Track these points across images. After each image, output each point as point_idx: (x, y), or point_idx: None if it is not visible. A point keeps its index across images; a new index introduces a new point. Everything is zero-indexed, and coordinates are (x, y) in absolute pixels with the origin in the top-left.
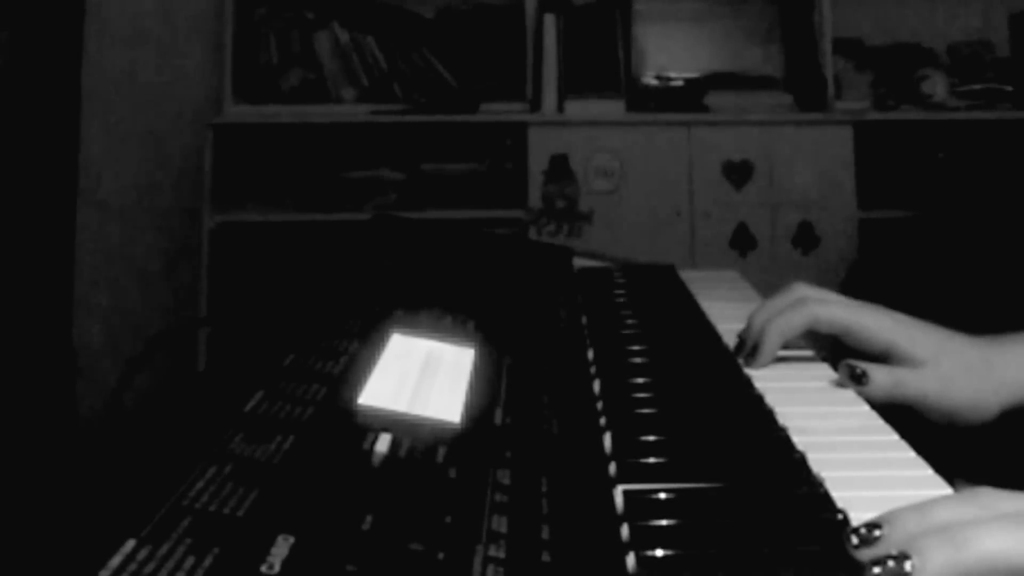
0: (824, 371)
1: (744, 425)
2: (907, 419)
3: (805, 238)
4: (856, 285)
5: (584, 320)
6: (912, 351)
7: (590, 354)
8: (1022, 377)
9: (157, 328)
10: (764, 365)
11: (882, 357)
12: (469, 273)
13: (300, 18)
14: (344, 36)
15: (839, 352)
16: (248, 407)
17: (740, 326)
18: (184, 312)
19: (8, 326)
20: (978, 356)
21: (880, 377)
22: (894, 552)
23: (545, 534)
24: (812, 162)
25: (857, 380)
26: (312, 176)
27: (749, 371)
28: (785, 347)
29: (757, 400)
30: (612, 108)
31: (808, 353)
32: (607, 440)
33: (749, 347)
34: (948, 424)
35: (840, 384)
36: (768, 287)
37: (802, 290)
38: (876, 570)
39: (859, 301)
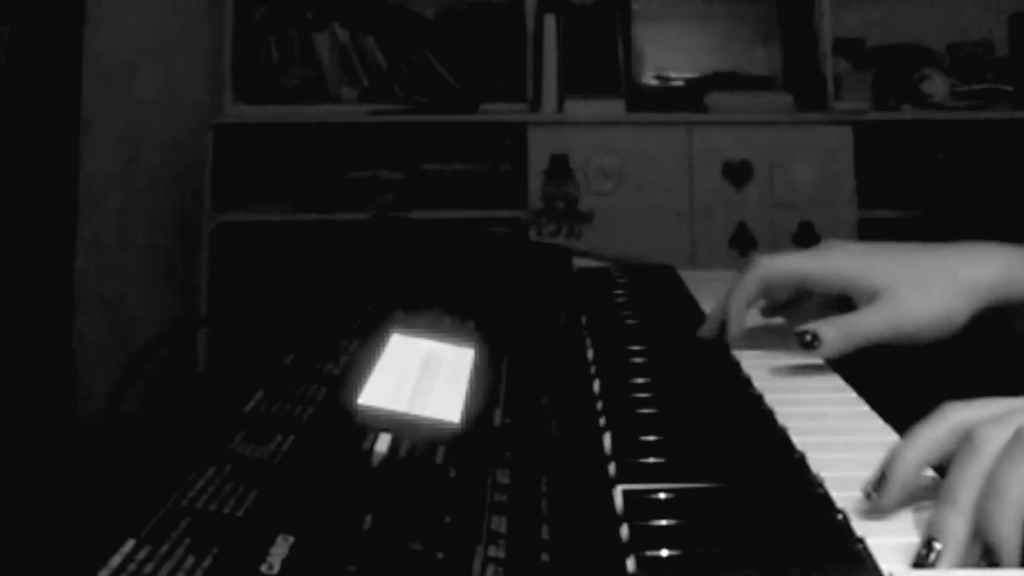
0: (825, 372)
1: (744, 425)
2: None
3: (805, 238)
4: None
5: (584, 320)
6: (869, 281)
7: (590, 354)
8: (991, 276)
9: (157, 328)
10: (737, 335)
11: (845, 297)
12: (469, 273)
13: (300, 18)
14: (344, 36)
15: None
16: (248, 407)
17: None
18: (184, 312)
19: (7, 326)
20: (940, 267)
21: (830, 334)
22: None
23: (545, 534)
24: (812, 162)
25: (809, 346)
26: (312, 176)
27: (748, 372)
28: (787, 350)
29: (757, 400)
30: (612, 108)
31: (809, 356)
32: (607, 440)
33: (716, 324)
34: (915, 345)
35: (799, 349)
36: None
37: (755, 258)
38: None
39: (816, 247)
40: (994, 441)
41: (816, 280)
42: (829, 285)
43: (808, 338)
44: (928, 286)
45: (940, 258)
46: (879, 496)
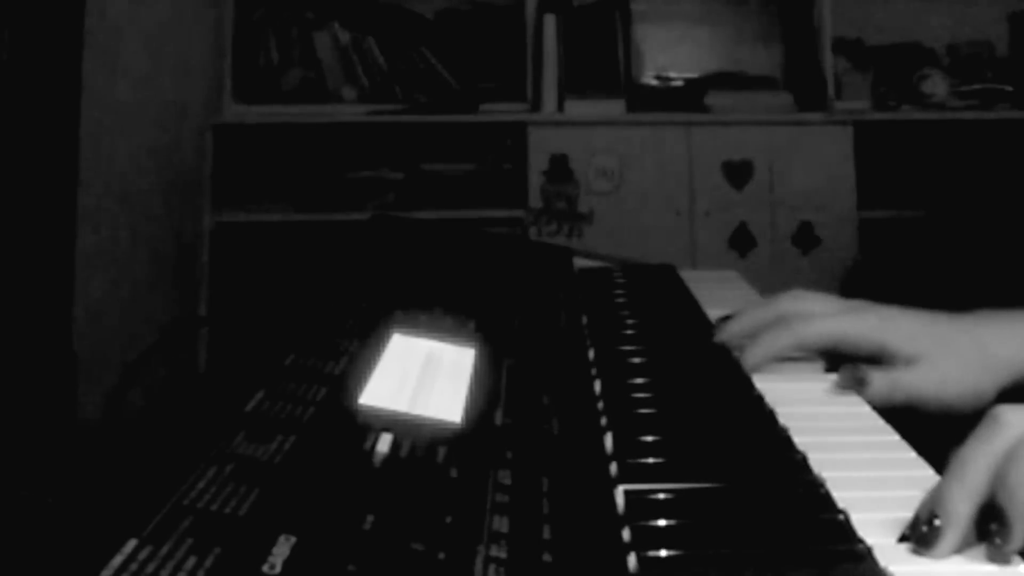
0: (827, 374)
1: (745, 425)
2: (906, 418)
3: (805, 238)
4: (856, 285)
5: (584, 320)
6: (903, 348)
7: (590, 354)
8: (1017, 356)
9: (157, 328)
10: None
11: (874, 358)
12: (469, 273)
13: (300, 18)
14: (344, 36)
15: (835, 357)
16: (249, 407)
17: None
18: (184, 312)
19: (8, 326)
20: (969, 341)
21: (878, 381)
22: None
23: (546, 534)
24: (812, 162)
25: (857, 383)
26: (312, 176)
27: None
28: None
29: (757, 400)
30: (612, 108)
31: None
32: (608, 440)
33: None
34: (946, 415)
35: (841, 387)
36: (768, 287)
37: (786, 304)
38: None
39: (845, 303)
40: (1019, 425)
41: (853, 341)
42: (865, 346)
43: (859, 376)
44: (962, 358)
45: (968, 331)
46: (935, 550)
